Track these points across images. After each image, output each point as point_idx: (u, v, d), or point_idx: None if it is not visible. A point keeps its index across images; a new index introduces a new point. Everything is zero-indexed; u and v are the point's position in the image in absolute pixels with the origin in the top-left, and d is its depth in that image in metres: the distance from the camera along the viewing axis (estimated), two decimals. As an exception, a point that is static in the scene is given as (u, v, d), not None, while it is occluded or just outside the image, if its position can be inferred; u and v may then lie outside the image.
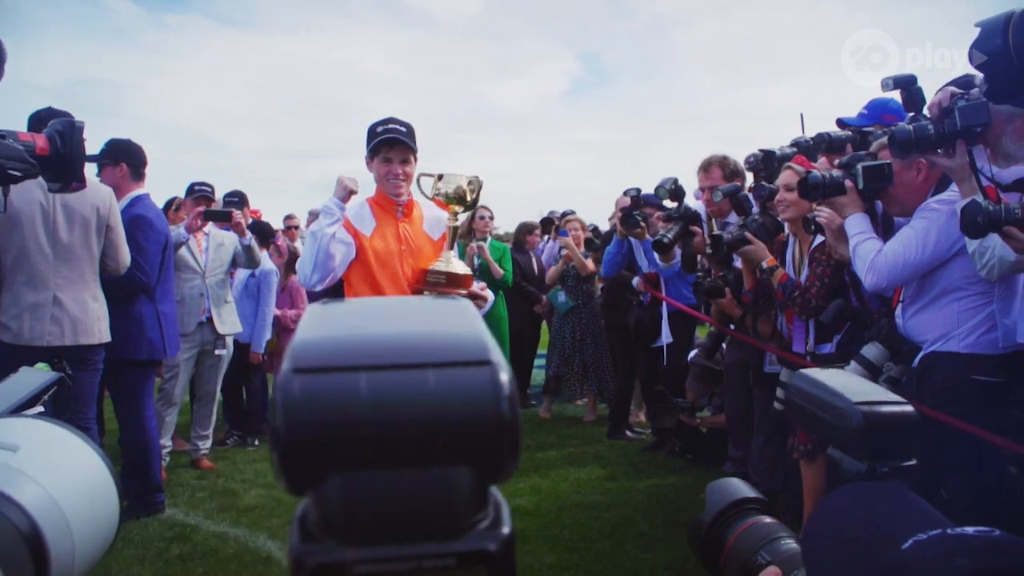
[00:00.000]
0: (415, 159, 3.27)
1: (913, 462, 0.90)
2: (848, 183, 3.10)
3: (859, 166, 3.00)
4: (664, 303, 5.74)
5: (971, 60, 1.31)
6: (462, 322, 0.42)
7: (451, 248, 3.25)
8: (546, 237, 8.62)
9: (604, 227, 7.62)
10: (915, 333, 3.01)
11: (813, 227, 3.33)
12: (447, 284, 3.17)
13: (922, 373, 2.94)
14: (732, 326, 4.63)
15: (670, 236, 4.50)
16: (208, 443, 5.94)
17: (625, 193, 5.70)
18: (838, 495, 0.86)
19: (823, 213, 3.29)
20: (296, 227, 8.27)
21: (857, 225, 3.07)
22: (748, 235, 3.81)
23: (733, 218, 4.44)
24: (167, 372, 5.50)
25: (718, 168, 4.54)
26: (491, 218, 7.66)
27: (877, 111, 3.78)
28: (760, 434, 4.50)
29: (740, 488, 1.15)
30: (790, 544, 1.07)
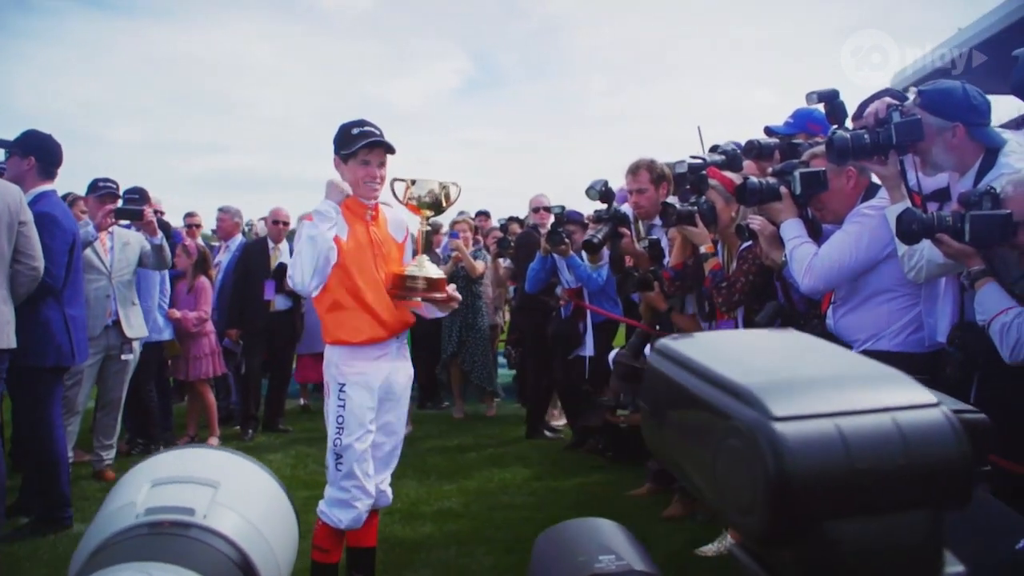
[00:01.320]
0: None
1: (988, 467, 0.95)
2: (784, 189, 3.22)
3: (796, 173, 3.12)
4: (587, 317, 5.84)
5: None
6: (858, 361, 0.42)
7: (424, 253, 3.27)
8: (446, 238, 8.67)
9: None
10: (846, 333, 3.16)
11: (747, 233, 3.44)
12: (427, 289, 3.18)
13: (854, 371, 3.09)
14: (659, 327, 4.75)
15: (599, 236, 4.57)
16: (112, 453, 5.64)
17: (548, 210, 5.79)
18: None
19: (756, 220, 3.41)
20: (198, 225, 7.94)
21: (793, 230, 3.19)
22: (696, 216, 3.91)
23: (659, 221, 4.55)
24: (69, 379, 5.17)
25: (646, 171, 4.64)
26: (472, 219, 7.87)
27: (803, 120, 3.94)
28: (684, 431, 4.62)
29: None
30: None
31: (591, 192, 4.62)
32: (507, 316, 8.65)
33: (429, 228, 3.26)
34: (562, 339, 6.00)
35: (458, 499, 4.92)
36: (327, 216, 3.04)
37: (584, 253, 5.32)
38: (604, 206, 4.65)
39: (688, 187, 4.28)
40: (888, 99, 2.90)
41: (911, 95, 2.88)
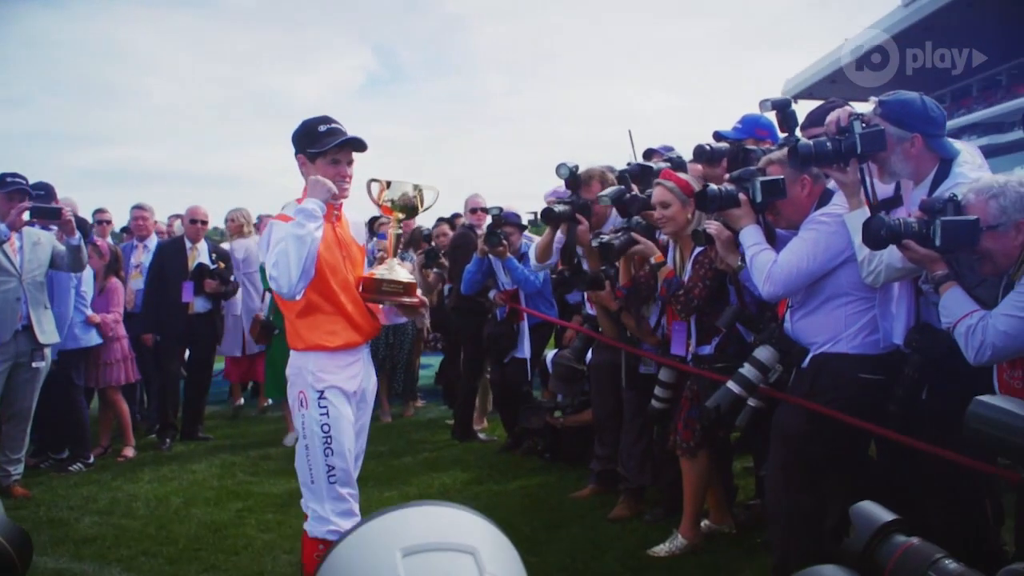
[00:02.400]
0: None
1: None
2: (742, 196, 3.27)
3: (757, 181, 3.18)
4: (523, 319, 5.83)
5: None
6: None
7: (395, 255, 3.17)
8: (374, 239, 8.51)
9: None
10: (804, 336, 3.24)
11: (704, 238, 3.48)
12: (404, 293, 3.09)
13: (813, 373, 3.18)
14: (600, 329, 4.78)
15: (560, 209, 4.57)
16: (20, 467, 5.27)
17: (486, 211, 5.76)
18: None
19: (712, 225, 3.46)
20: (108, 222, 7.51)
21: (752, 236, 3.25)
22: (635, 235, 3.95)
23: (607, 226, 4.59)
24: (-27, 389, 4.81)
25: (598, 183, 4.66)
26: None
27: (751, 126, 4.03)
28: (629, 432, 4.67)
29: (880, 512, 1.18)
30: (953, 565, 1.11)
31: (562, 169, 4.63)
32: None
33: (400, 231, 3.17)
34: (498, 341, 5.96)
35: (400, 506, 4.80)
36: (313, 215, 2.89)
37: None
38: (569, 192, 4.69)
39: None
40: (849, 108, 2.99)
41: (871, 105, 2.97)
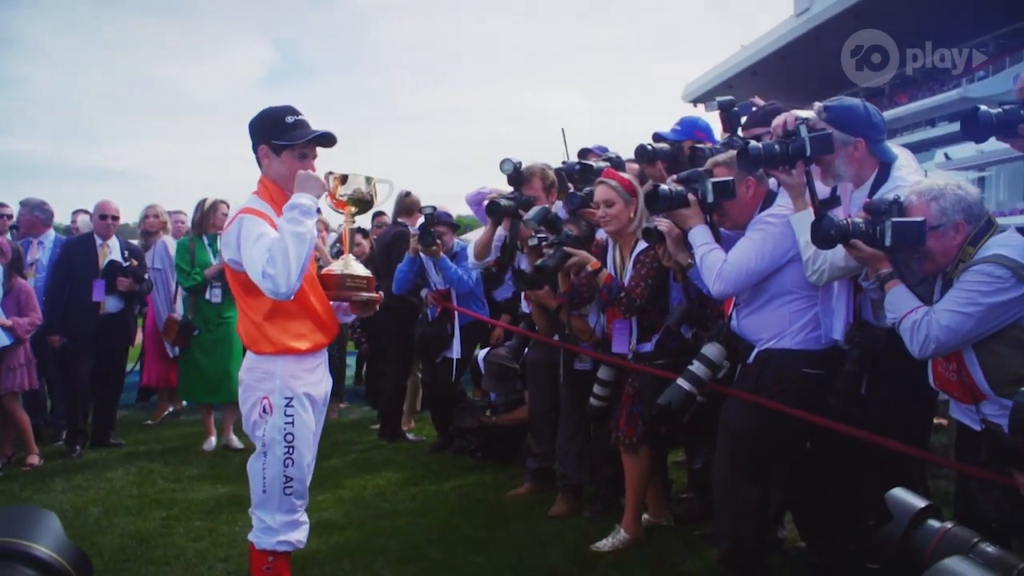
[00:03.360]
0: None
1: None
2: (691, 196, 3.35)
3: (709, 182, 3.26)
4: (455, 318, 5.80)
5: None
6: None
7: (350, 251, 3.09)
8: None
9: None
10: (749, 333, 3.35)
11: (656, 236, 3.54)
12: (365, 288, 3.03)
13: (759, 368, 3.28)
14: (535, 328, 4.81)
15: (504, 202, 4.56)
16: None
17: (420, 211, 5.72)
18: None
19: (663, 223, 3.53)
20: (10, 216, 7.05)
21: (702, 236, 3.33)
22: (567, 250, 3.99)
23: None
24: None
25: (539, 180, 4.68)
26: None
27: (690, 128, 4.12)
28: (566, 429, 4.71)
29: (915, 500, 1.23)
30: (991, 548, 1.16)
31: (506, 164, 4.63)
32: None
33: (354, 225, 3.10)
34: (431, 342, 5.91)
35: (336, 510, 4.70)
36: (310, 212, 2.77)
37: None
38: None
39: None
40: (796, 112, 3.10)
41: (816, 110, 3.09)
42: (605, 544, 4.02)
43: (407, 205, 6.51)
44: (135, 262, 6.40)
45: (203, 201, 6.36)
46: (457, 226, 6.26)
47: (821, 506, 3.60)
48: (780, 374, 3.22)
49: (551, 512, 4.56)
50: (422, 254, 5.63)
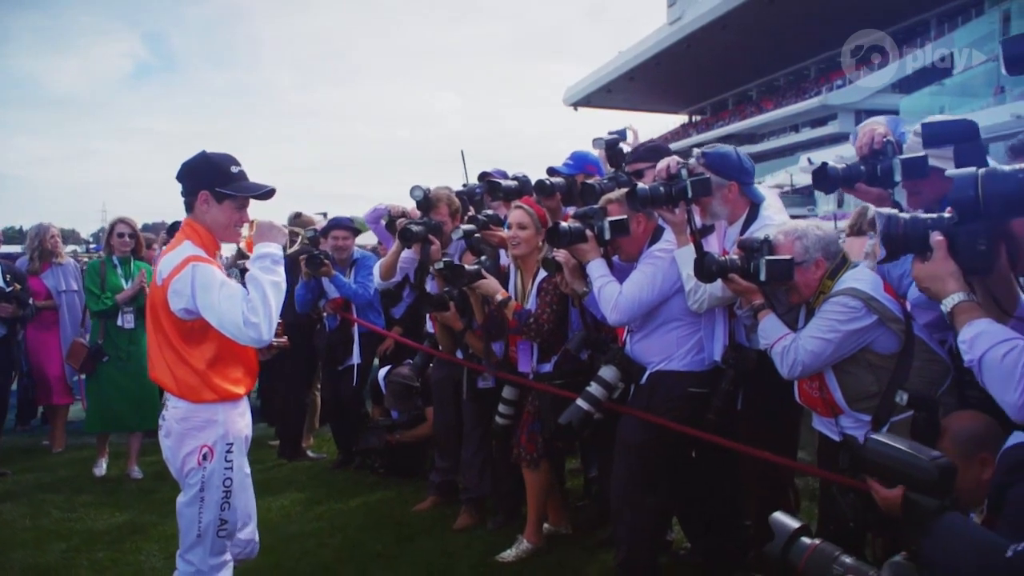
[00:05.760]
0: None
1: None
2: (589, 232, 3.63)
3: (606, 221, 3.54)
4: (354, 326, 5.92)
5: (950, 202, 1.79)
6: None
7: None
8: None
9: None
10: (641, 356, 3.67)
11: (554, 266, 3.81)
12: (281, 334, 3.16)
13: (650, 388, 3.60)
14: (426, 342, 5.05)
15: (416, 228, 4.72)
16: None
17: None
18: (949, 521, 1.31)
19: (560, 254, 3.80)
20: None
21: (599, 269, 3.62)
22: (483, 271, 4.21)
23: (450, 248, 4.83)
24: None
25: (445, 206, 4.88)
26: None
27: (581, 162, 4.42)
28: (470, 444, 4.93)
29: (790, 521, 1.52)
30: (849, 559, 1.46)
31: (416, 191, 4.81)
32: None
33: None
34: (333, 350, 6.03)
35: (243, 533, 4.74)
36: (280, 261, 2.88)
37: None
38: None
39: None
40: (676, 157, 3.42)
41: (695, 156, 3.43)
42: (509, 555, 4.26)
43: (299, 225, 6.55)
44: (18, 286, 6.19)
45: (107, 223, 6.17)
46: (358, 231, 6.33)
47: (704, 510, 3.99)
48: (669, 393, 3.55)
49: (456, 525, 4.77)
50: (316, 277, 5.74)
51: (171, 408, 3.02)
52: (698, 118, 70.72)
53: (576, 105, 73.16)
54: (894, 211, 1.99)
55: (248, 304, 2.76)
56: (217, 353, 2.95)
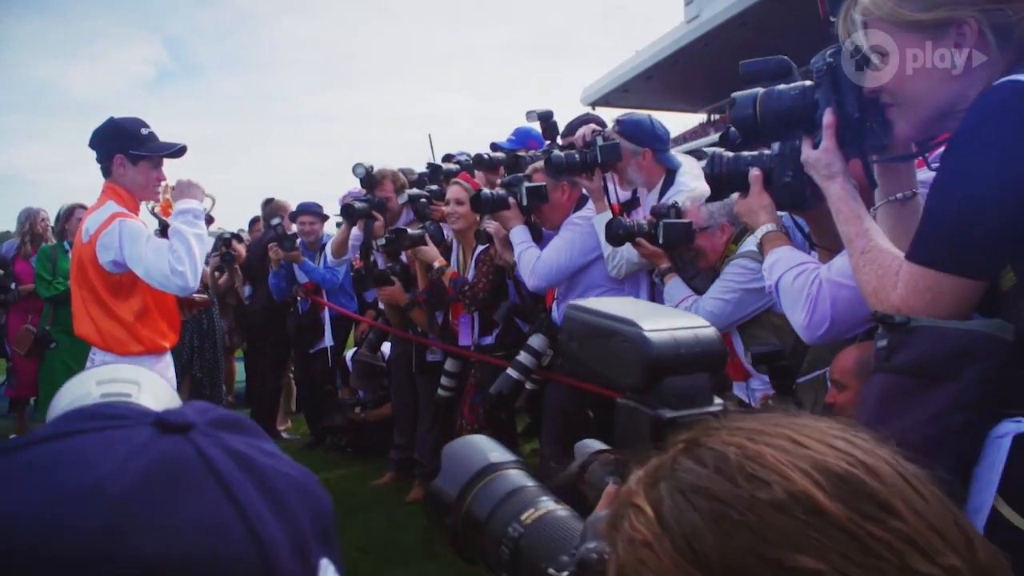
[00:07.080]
0: None
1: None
2: (511, 200, 3.70)
3: (523, 186, 3.61)
4: (325, 310, 6.03)
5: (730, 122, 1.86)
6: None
7: None
8: None
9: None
10: (567, 323, 3.72)
11: (485, 237, 3.89)
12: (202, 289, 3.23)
13: (576, 355, 3.66)
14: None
15: (359, 206, 4.81)
16: None
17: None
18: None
19: (491, 225, 3.87)
20: None
21: (520, 235, 3.69)
22: (426, 237, 4.29)
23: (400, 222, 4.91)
24: None
25: (389, 182, 4.97)
26: None
27: (524, 137, 4.49)
28: (424, 420, 5.01)
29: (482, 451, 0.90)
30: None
31: (358, 168, 4.89)
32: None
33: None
34: (304, 332, 6.14)
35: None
36: (201, 215, 3.03)
37: None
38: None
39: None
40: (593, 125, 3.49)
41: (611, 124, 3.49)
42: (453, 523, 4.32)
43: (273, 210, 6.66)
44: (1, 271, 6.34)
45: (62, 208, 6.26)
46: (326, 216, 6.37)
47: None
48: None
49: (409, 497, 4.85)
50: (285, 260, 5.85)
51: (98, 363, 3.13)
52: (716, 117, 70.15)
53: (594, 105, 72.76)
54: (719, 150, 2.04)
55: (174, 254, 2.92)
56: (144, 305, 3.09)
